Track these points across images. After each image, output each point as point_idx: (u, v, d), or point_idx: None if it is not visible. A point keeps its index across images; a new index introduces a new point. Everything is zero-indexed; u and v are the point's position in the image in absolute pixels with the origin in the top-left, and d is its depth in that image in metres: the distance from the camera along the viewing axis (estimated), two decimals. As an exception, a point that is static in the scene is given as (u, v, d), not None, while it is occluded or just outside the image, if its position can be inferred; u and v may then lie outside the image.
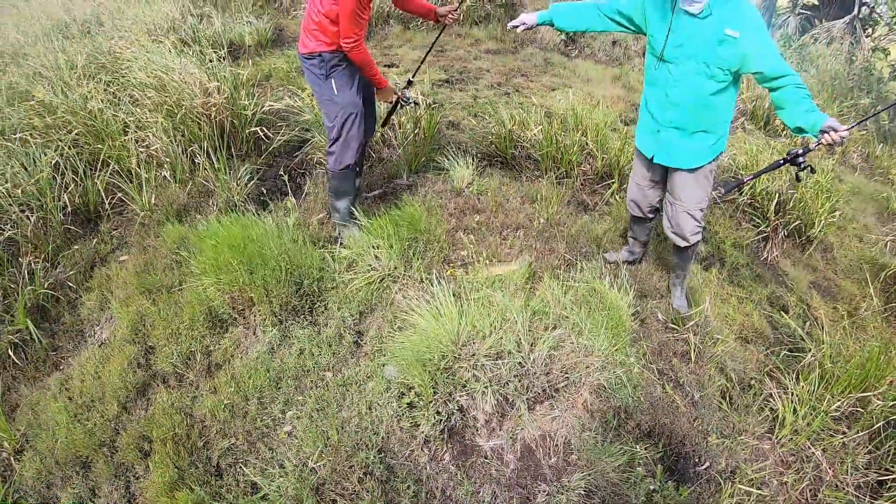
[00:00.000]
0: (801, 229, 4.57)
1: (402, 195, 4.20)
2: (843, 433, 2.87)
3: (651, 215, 3.58)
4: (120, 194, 4.15)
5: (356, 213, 3.68)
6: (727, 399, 3.09)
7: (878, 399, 2.90)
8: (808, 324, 3.72)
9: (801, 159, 2.85)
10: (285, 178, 4.30)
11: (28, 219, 3.82)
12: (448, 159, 4.53)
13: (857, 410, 2.93)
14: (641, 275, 3.80)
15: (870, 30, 9.76)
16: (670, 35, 2.93)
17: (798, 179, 3.06)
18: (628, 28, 3.20)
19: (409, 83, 3.80)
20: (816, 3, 11.39)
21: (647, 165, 3.37)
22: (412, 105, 3.83)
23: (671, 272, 3.69)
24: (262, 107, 4.85)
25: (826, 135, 2.66)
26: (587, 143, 4.72)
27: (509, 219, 4.07)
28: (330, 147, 3.51)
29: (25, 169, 4.04)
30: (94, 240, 4.00)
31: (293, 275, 3.26)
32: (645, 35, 3.13)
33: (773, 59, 2.76)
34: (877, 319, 4.01)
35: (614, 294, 3.29)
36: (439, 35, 4.18)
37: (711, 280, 3.97)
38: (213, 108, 4.50)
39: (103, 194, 4.11)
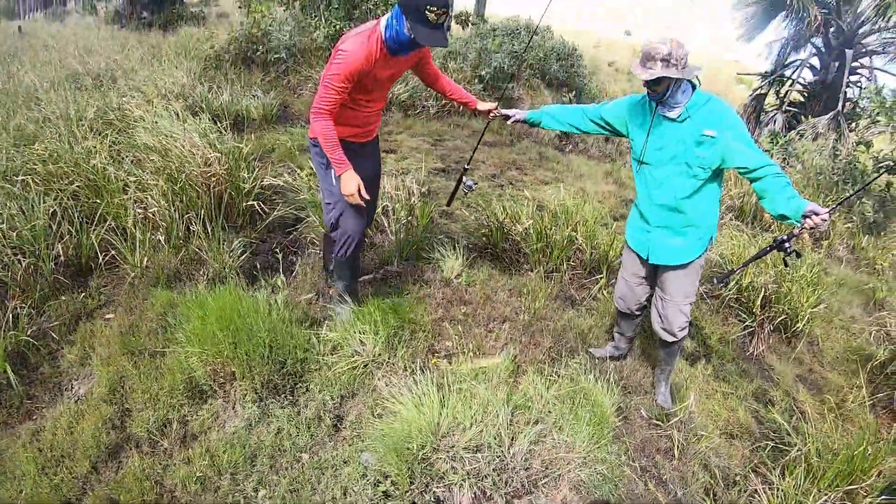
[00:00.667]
0: (787, 323, 4.63)
1: (391, 282, 4.26)
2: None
3: (638, 312, 3.64)
4: (113, 252, 4.15)
5: (347, 299, 3.72)
6: (711, 496, 3.05)
7: (864, 492, 2.89)
8: (794, 418, 3.73)
9: (787, 245, 2.92)
10: (279, 255, 4.34)
11: (19, 263, 3.82)
12: (439, 249, 4.61)
13: None
14: (626, 370, 3.83)
15: (853, 124, 10.14)
16: (650, 139, 3.13)
17: (786, 265, 3.24)
18: (610, 132, 3.42)
19: (465, 170, 3.90)
20: (802, 100, 11.82)
21: (638, 262, 3.46)
22: (472, 189, 3.90)
23: (656, 367, 3.72)
24: (261, 181, 4.94)
25: (808, 219, 2.74)
26: (576, 238, 4.81)
27: (496, 311, 4.11)
28: (331, 232, 3.55)
29: (23, 213, 4.06)
30: (83, 294, 3.97)
31: (277, 353, 3.25)
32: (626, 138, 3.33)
33: (750, 153, 2.91)
34: (864, 411, 4.02)
35: (598, 390, 3.30)
36: (484, 131, 4.28)
37: (697, 375, 3.99)
38: (213, 179, 4.58)
39: (97, 249, 4.11)
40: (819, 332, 4.89)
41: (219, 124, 5.47)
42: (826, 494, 2.87)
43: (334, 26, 10.18)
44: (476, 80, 10.05)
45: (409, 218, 4.78)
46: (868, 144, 8.66)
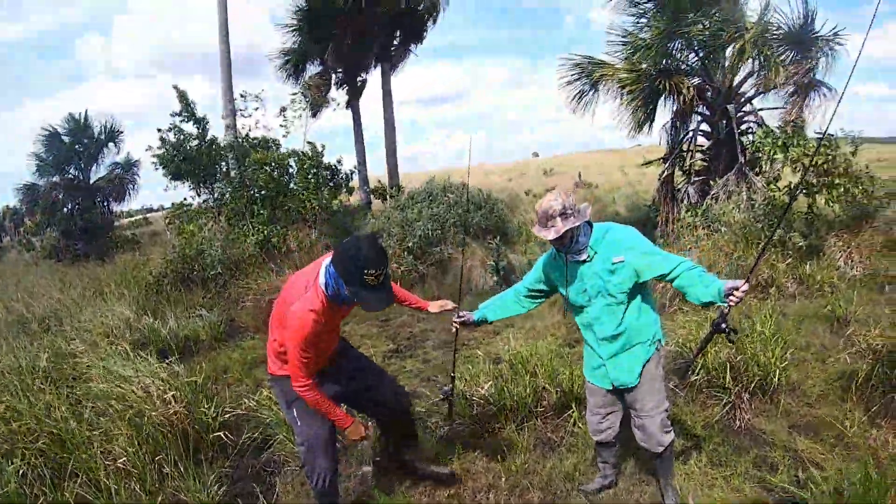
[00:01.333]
0: (762, 384, 4.73)
1: (371, 484, 4.24)
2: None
3: (615, 440, 3.73)
4: None
5: None
6: None
7: None
8: (800, 471, 3.77)
9: (723, 326, 3.01)
10: (257, 489, 4.23)
11: None
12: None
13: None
14: (621, 494, 3.85)
15: (757, 168, 10.71)
16: (570, 287, 3.40)
17: (731, 342, 3.33)
18: (545, 295, 3.71)
19: (451, 388, 4.11)
20: (705, 164, 12.42)
21: (601, 394, 3.58)
22: (449, 395, 4.11)
23: (658, 479, 3.73)
24: (223, 408, 4.97)
25: (731, 297, 2.91)
26: (538, 381, 4.96)
27: (478, 482, 4.10)
28: (303, 467, 3.60)
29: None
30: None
31: None
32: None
33: (659, 260, 3.18)
34: (864, 430, 4.12)
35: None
36: (455, 340, 4.35)
37: (693, 470, 4.00)
38: (175, 416, 4.59)
39: None
40: (796, 377, 5.01)
41: (169, 357, 5.50)
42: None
43: (262, 232, 10.52)
44: (405, 253, 10.40)
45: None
46: (777, 179, 9.19)
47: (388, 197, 13.72)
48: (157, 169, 13.26)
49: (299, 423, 3.39)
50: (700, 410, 4.76)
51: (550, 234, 3.13)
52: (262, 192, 11.84)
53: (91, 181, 21.26)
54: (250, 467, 4.62)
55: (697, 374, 4.94)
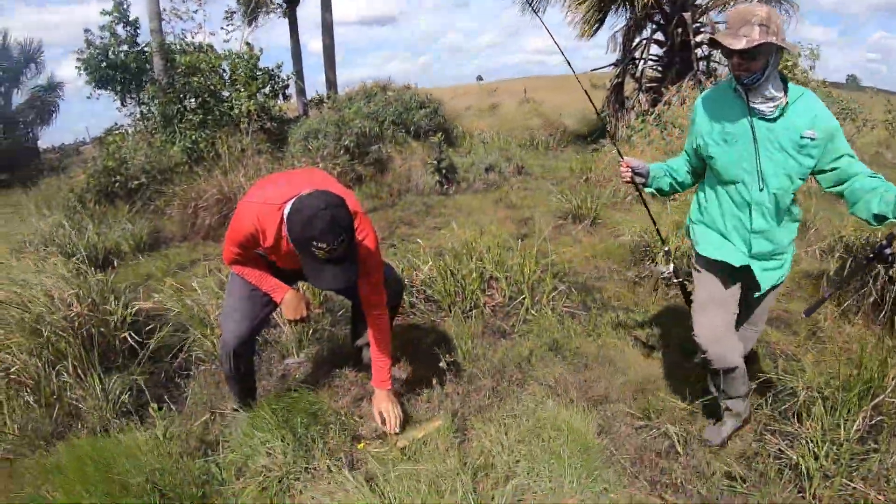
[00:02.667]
0: None
1: (295, 376, 3.77)
2: (875, 450, 2.57)
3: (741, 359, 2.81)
4: None
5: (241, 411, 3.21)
6: (738, 479, 2.65)
7: (892, 398, 2.68)
8: (778, 365, 3.45)
9: (887, 251, 2.32)
10: (165, 396, 3.70)
11: None
12: (342, 326, 4.22)
13: (879, 420, 2.68)
14: (590, 378, 3.50)
15: (713, 78, 10.67)
16: (741, 146, 2.51)
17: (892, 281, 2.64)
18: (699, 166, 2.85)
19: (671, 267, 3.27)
20: (658, 74, 12.43)
21: (727, 287, 2.74)
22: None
23: (722, 402, 2.97)
24: (132, 309, 4.35)
25: None
26: (485, 268, 4.52)
27: (420, 371, 3.62)
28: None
29: None
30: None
31: (167, 497, 2.61)
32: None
33: (852, 158, 2.43)
34: (837, 326, 3.97)
35: (566, 415, 2.93)
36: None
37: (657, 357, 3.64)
38: (77, 319, 4.02)
39: None
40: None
41: (84, 266, 4.90)
42: (855, 419, 2.62)
43: (190, 137, 9.87)
44: (342, 151, 9.79)
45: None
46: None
47: (324, 100, 12.93)
48: (80, 74, 12.28)
49: (225, 296, 3.00)
50: (664, 301, 4.52)
51: (740, 43, 2.27)
52: (194, 98, 11.02)
53: (13, 107, 19.91)
54: (164, 372, 4.10)
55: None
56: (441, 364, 3.37)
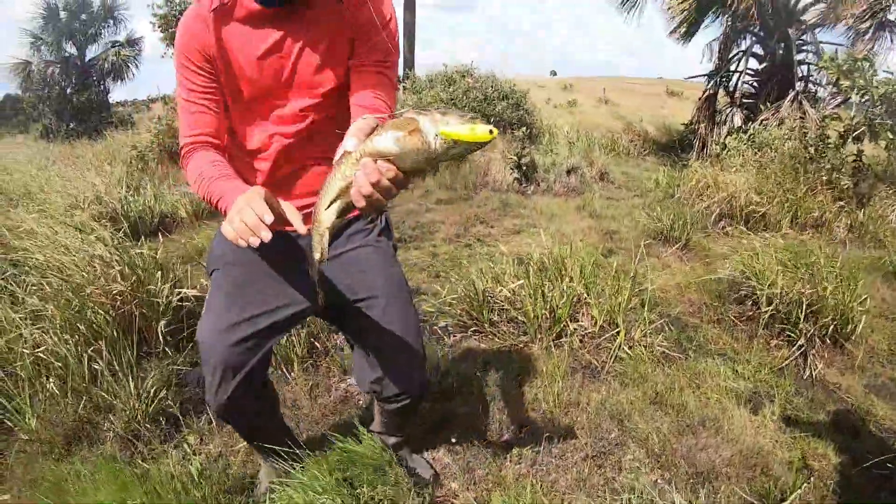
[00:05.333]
0: (836, 331, 3.91)
1: (357, 401, 3.21)
2: None
3: None
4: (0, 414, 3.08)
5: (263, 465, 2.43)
6: None
7: None
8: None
9: None
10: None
11: None
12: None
13: None
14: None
15: (815, 101, 10.02)
16: None
17: None
18: None
19: None
20: (754, 90, 11.59)
21: None
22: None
23: None
24: (176, 295, 3.87)
25: None
26: (576, 289, 3.92)
27: (501, 414, 3.05)
28: None
29: None
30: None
31: None
32: None
33: None
34: None
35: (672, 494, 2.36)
36: None
37: (766, 423, 3.10)
38: (119, 297, 3.60)
39: None
40: (861, 329, 4.08)
41: (128, 230, 4.51)
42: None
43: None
44: (419, 137, 9.26)
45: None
46: (836, 117, 8.35)
47: (403, 80, 12.45)
48: (154, 30, 12.06)
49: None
50: (764, 351, 3.88)
51: None
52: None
53: (87, 59, 20.12)
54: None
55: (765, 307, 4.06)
56: (529, 413, 2.78)
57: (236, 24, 1.63)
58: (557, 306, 3.79)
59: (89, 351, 3.35)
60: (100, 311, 3.53)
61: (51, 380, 3.22)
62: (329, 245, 1.33)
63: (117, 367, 3.28)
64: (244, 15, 1.62)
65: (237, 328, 1.76)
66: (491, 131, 1.12)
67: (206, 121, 1.69)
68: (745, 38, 12.02)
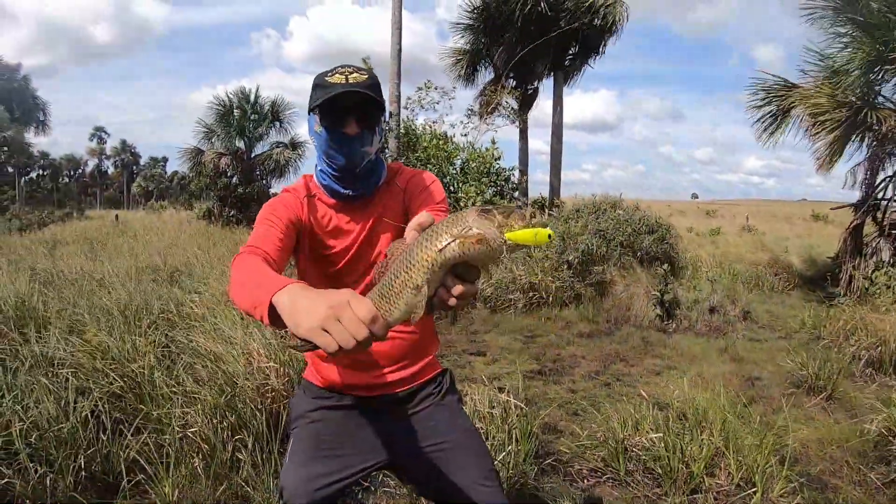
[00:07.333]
0: None
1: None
2: None
3: None
4: (142, 475, 3.30)
5: None
6: None
7: None
8: None
9: None
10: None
11: (34, 471, 3.06)
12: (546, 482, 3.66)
13: None
14: None
15: None
16: None
17: None
18: None
19: None
20: None
21: None
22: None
23: None
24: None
25: None
26: (714, 442, 3.75)
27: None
28: None
29: (63, 415, 3.41)
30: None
31: None
32: None
33: None
34: None
35: None
36: None
37: None
38: (270, 394, 3.84)
39: (123, 468, 3.30)
40: None
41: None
42: None
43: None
44: (564, 266, 9.49)
45: (509, 444, 3.64)
46: None
47: (549, 207, 12.80)
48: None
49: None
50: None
51: None
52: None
53: (254, 155, 22.07)
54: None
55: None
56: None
57: (320, 204, 2.02)
58: (695, 459, 3.64)
59: (234, 440, 3.57)
60: (251, 404, 3.76)
61: (195, 459, 3.44)
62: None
63: (261, 461, 3.45)
64: (326, 202, 2.02)
65: (318, 479, 1.97)
66: (550, 236, 1.19)
67: (271, 250, 1.78)
68: (891, 162, 11.15)
